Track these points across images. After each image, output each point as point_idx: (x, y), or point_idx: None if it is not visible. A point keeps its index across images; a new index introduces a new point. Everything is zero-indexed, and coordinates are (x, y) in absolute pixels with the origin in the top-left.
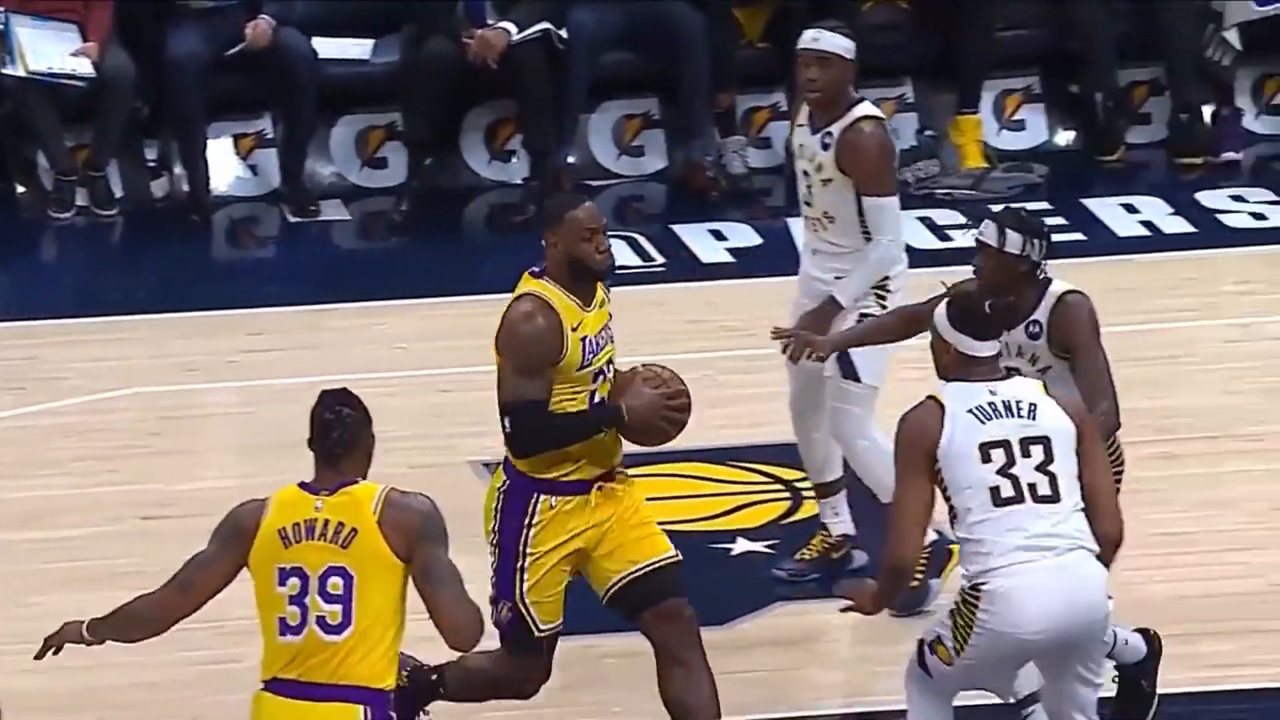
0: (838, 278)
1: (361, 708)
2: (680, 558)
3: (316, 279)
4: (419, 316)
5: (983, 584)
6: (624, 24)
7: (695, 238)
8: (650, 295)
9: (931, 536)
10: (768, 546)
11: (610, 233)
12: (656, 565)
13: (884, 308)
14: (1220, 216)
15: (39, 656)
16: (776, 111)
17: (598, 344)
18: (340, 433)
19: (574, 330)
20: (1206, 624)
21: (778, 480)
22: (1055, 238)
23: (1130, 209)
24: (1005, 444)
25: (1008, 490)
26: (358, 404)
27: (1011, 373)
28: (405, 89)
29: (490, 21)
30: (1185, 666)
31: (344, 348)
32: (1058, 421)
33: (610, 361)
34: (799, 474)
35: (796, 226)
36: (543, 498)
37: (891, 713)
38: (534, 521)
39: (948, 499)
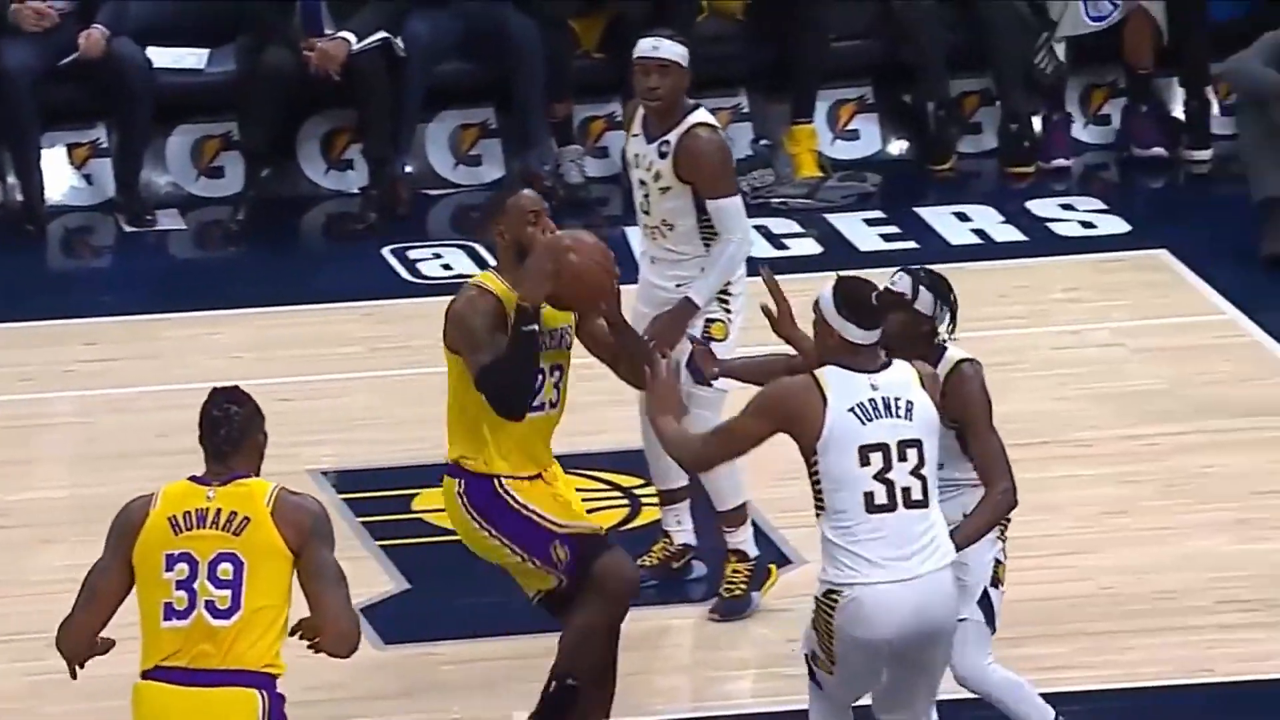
0: (679, 285)
1: (257, 691)
2: None
3: (153, 288)
4: (256, 326)
5: (838, 592)
6: (460, 33)
7: None
8: None
9: (754, 551)
10: None
11: (447, 242)
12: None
13: (728, 313)
14: (1050, 225)
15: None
16: (613, 121)
17: (549, 338)
18: (228, 430)
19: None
20: (1036, 627)
21: (616, 487)
22: (889, 246)
23: (962, 217)
24: (884, 448)
25: (881, 497)
26: (246, 401)
27: (889, 360)
28: (242, 99)
29: (327, 31)
30: (1015, 669)
31: (181, 357)
32: (929, 417)
33: (560, 370)
34: (637, 481)
35: (634, 235)
36: (504, 480)
37: (731, 717)
38: (509, 491)
39: (817, 487)
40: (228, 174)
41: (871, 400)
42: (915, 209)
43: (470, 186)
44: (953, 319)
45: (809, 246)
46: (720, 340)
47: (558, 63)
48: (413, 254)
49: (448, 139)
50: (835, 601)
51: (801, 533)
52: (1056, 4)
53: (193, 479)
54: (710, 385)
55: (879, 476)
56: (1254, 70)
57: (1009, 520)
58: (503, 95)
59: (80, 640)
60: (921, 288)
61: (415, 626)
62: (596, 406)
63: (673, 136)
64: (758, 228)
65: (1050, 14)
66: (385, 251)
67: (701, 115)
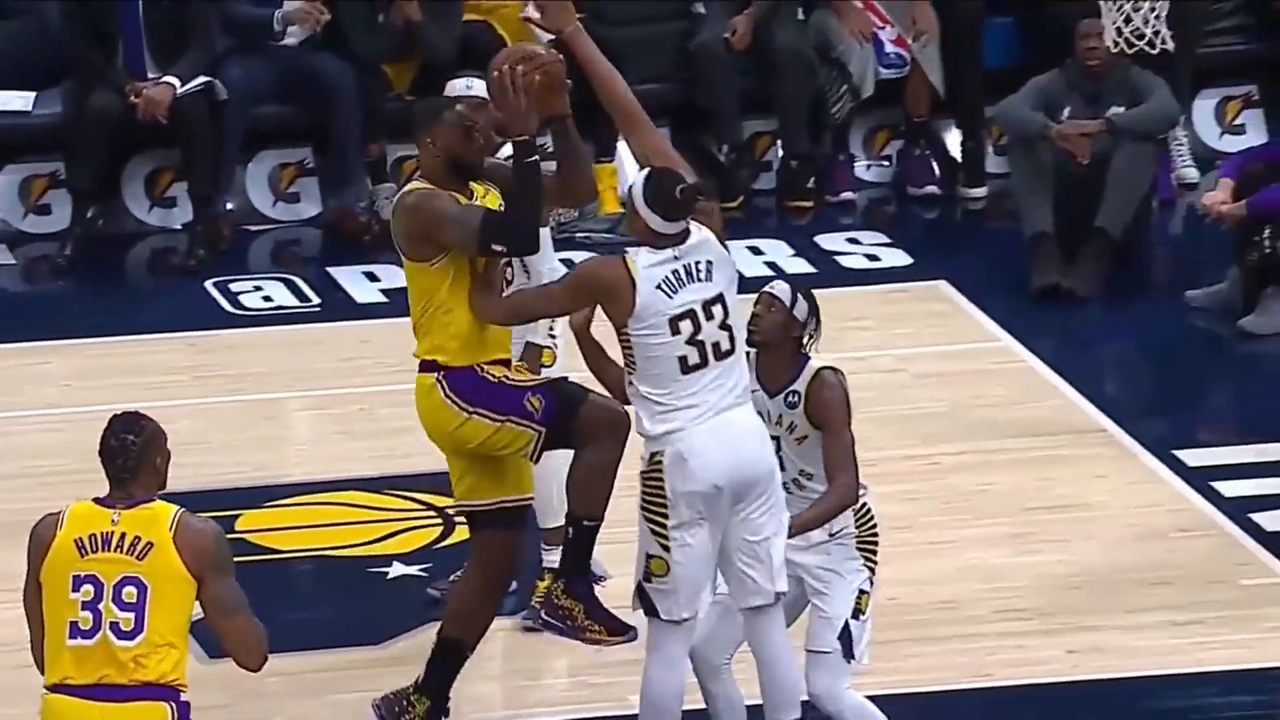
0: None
1: (166, 704)
2: None
3: None
4: (85, 356)
5: (661, 451)
6: (278, 78)
7: (350, 279)
8: (309, 334)
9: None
10: (421, 570)
11: (267, 275)
12: None
13: (552, 338)
14: (837, 258)
15: None
16: None
17: None
18: (124, 459)
19: None
20: None
21: (431, 507)
22: None
23: (755, 251)
24: (691, 313)
25: (694, 358)
26: (143, 429)
27: (689, 232)
28: (69, 139)
29: (150, 74)
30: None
31: (11, 385)
32: (728, 271)
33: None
34: (450, 500)
35: None
36: (482, 365)
37: None
38: (486, 372)
39: (630, 354)
40: (55, 211)
41: (675, 272)
42: None
43: (289, 222)
44: (817, 332)
45: None
46: (549, 366)
47: (371, 105)
48: (234, 286)
49: (267, 177)
50: (661, 461)
51: (610, 549)
52: (854, 57)
53: (98, 500)
54: None
55: (690, 340)
56: (1022, 113)
57: (875, 548)
58: (319, 136)
59: (40, 657)
60: (799, 297)
61: None
62: (413, 430)
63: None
64: (564, 261)
65: (847, 63)
66: (208, 284)
67: (510, 149)
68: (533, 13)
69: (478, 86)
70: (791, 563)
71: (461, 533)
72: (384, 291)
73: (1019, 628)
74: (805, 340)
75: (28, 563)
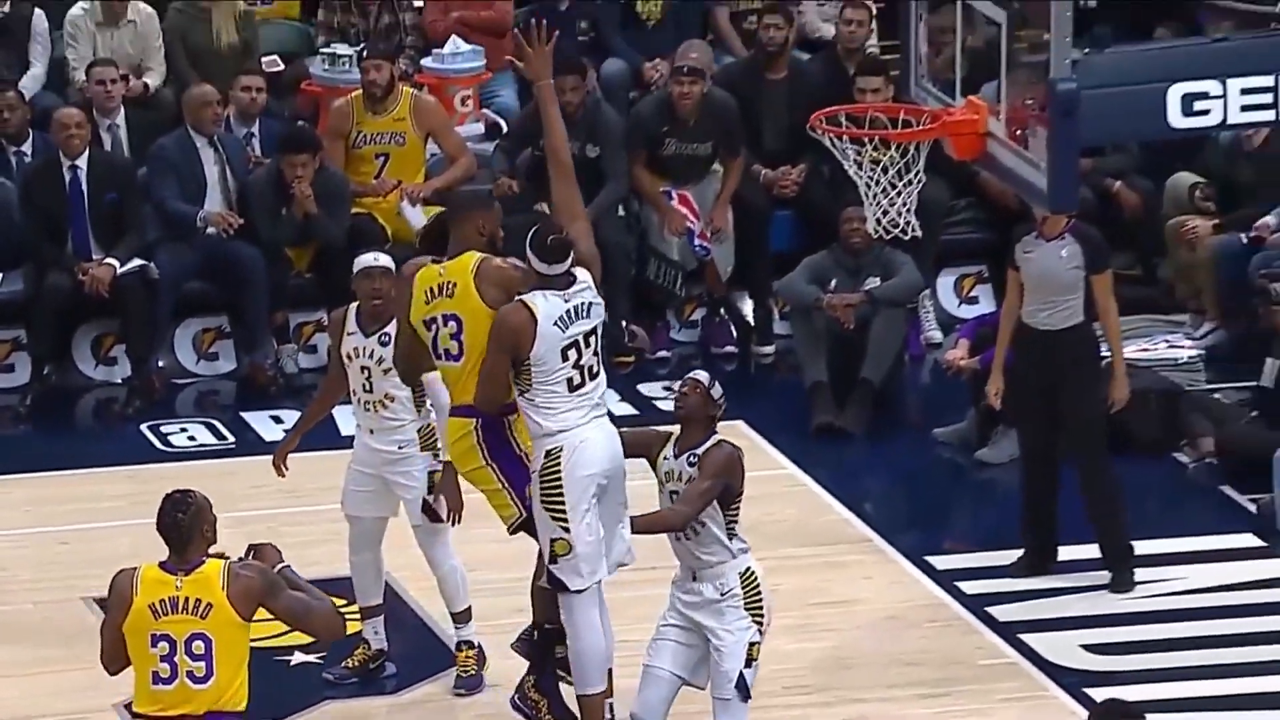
0: (400, 446)
1: None
2: None
3: None
4: (42, 487)
5: (557, 446)
6: (200, 261)
7: (259, 422)
8: (225, 467)
9: (477, 640)
10: (318, 658)
11: (192, 420)
12: None
13: (436, 456)
14: (655, 401)
15: None
16: (320, 325)
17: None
18: (177, 533)
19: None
20: None
21: None
22: None
23: None
24: (576, 343)
25: (577, 380)
26: (190, 504)
27: (575, 278)
28: (28, 312)
29: (96, 256)
30: None
31: None
32: (599, 308)
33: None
34: (341, 602)
35: (337, 412)
36: (509, 419)
37: None
38: (514, 435)
39: (526, 380)
40: (17, 369)
41: (567, 311)
42: None
43: (209, 376)
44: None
45: None
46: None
47: (276, 282)
48: (164, 429)
49: (191, 341)
50: (559, 454)
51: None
52: (675, 246)
53: (162, 565)
54: (444, 520)
55: (575, 365)
56: (798, 287)
57: (761, 605)
58: (234, 307)
59: (108, 665)
60: (715, 382)
61: None
62: (309, 545)
63: (390, 330)
64: None
65: (670, 252)
66: (143, 427)
67: None
68: (408, 207)
69: (383, 258)
70: (694, 620)
71: (352, 626)
72: (286, 431)
73: (803, 700)
74: (716, 416)
75: (108, 603)
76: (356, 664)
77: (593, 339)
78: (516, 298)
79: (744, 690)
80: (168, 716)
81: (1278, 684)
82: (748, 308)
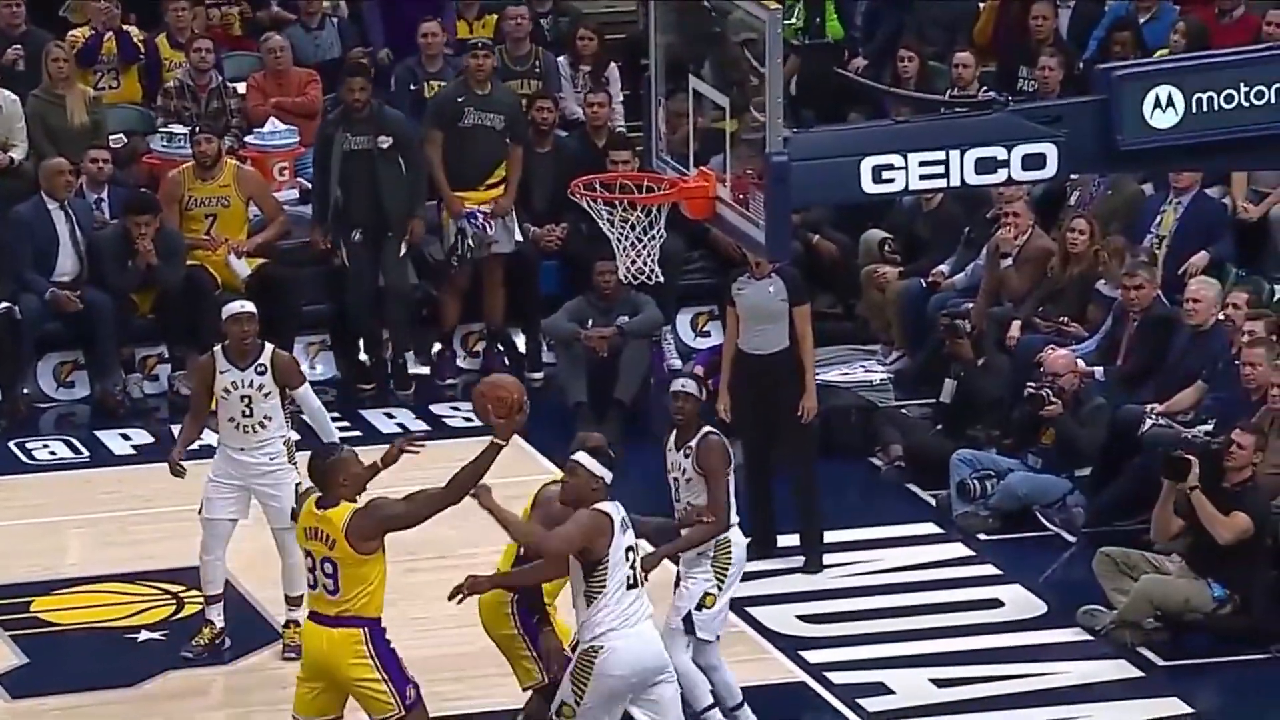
0: (272, 458)
1: (361, 630)
2: None
3: None
4: None
5: (601, 645)
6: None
7: (110, 439)
8: (82, 477)
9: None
10: (162, 635)
11: (52, 437)
12: None
13: (296, 467)
14: (445, 419)
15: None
16: (161, 358)
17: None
18: (317, 479)
19: None
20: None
21: (167, 592)
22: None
23: (389, 415)
24: (632, 547)
25: (632, 579)
26: (330, 455)
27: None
28: None
29: None
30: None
31: None
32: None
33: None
34: (182, 587)
35: (178, 429)
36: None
37: None
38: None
39: (599, 582)
40: None
41: (624, 518)
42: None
43: (67, 401)
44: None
45: None
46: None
47: (123, 321)
48: (29, 445)
49: (52, 371)
50: (596, 655)
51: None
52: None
53: (317, 500)
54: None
55: (630, 565)
56: (561, 325)
57: (728, 568)
58: (88, 341)
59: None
60: (701, 387)
61: (31, 686)
62: (152, 541)
63: (264, 360)
64: None
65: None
66: (11, 444)
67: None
68: (234, 259)
69: (249, 305)
70: (679, 573)
71: (191, 608)
72: (135, 447)
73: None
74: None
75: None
76: (206, 641)
77: (633, 553)
78: (597, 510)
79: (688, 624)
80: (313, 611)
81: (954, 645)
82: (520, 341)
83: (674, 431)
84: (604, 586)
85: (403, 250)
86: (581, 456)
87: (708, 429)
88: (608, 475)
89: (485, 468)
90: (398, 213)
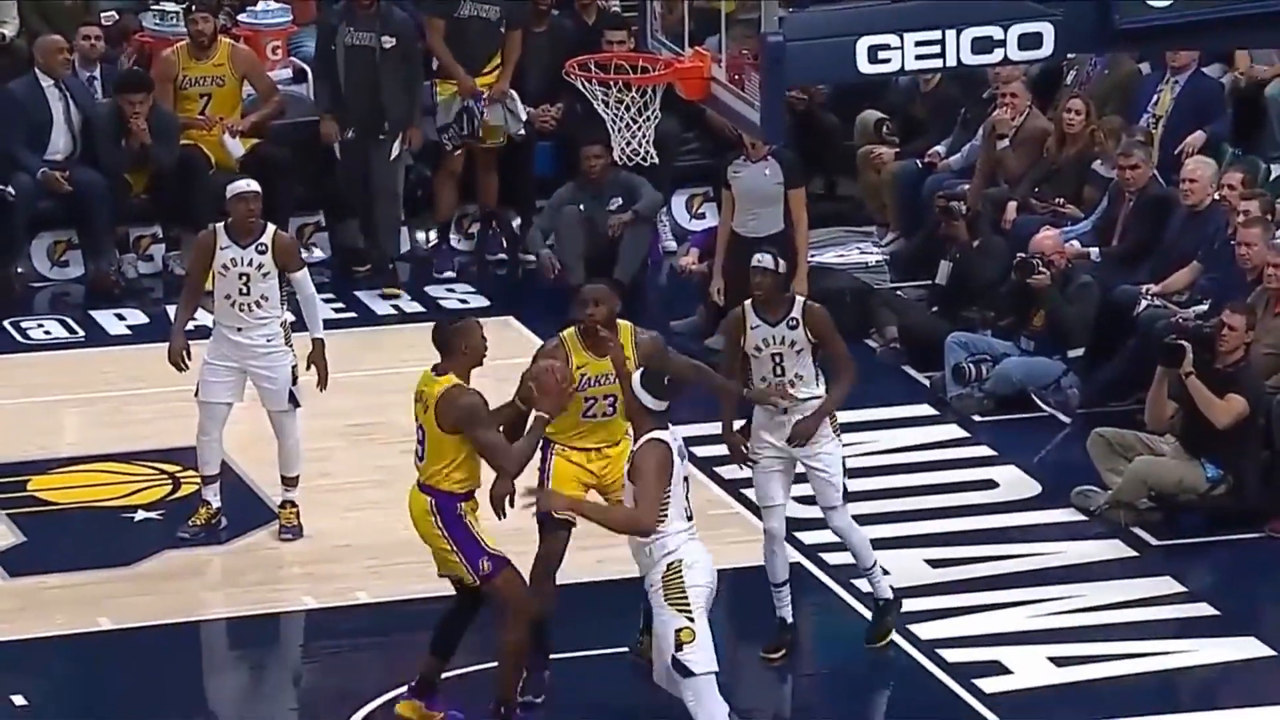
0: (269, 340)
1: (428, 498)
2: None
3: None
4: None
5: (680, 558)
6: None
7: (105, 319)
8: (77, 357)
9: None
10: (159, 515)
11: (47, 317)
12: None
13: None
14: (441, 301)
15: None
16: (155, 238)
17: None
18: (439, 342)
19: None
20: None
21: (163, 472)
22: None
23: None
24: (687, 477)
25: (687, 508)
26: (454, 323)
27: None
28: None
29: None
30: None
31: None
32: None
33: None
34: (178, 467)
35: (173, 309)
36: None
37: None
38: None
39: (663, 510)
40: None
41: (679, 448)
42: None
43: (61, 280)
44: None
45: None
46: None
47: (117, 201)
48: (24, 324)
49: (46, 250)
50: (682, 569)
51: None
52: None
53: (434, 365)
54: (299, 405)
55: (686, 495)
56: (560, 214)
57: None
58: (82, 221)
59: None
60: (777, 259)
61: (29, 564)
62: (154, 420)
63: (267, 239)
64: None
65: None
66: (5, 324)
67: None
68: (229, 139)
69: (254, 184)
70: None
71: (187, 489)
72: (129, 327)
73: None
74: (787, 285)
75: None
76: (202, 521)
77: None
78: (656, 440)
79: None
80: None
81: (949, 525)
82: (516, 222)
83: (753, 306)
84: (666, 514)
85: (394, 153)
86: (638, 388)
87: (800, 299)
88: (660, 405)
89: (537, 440)
90: (395, 113)
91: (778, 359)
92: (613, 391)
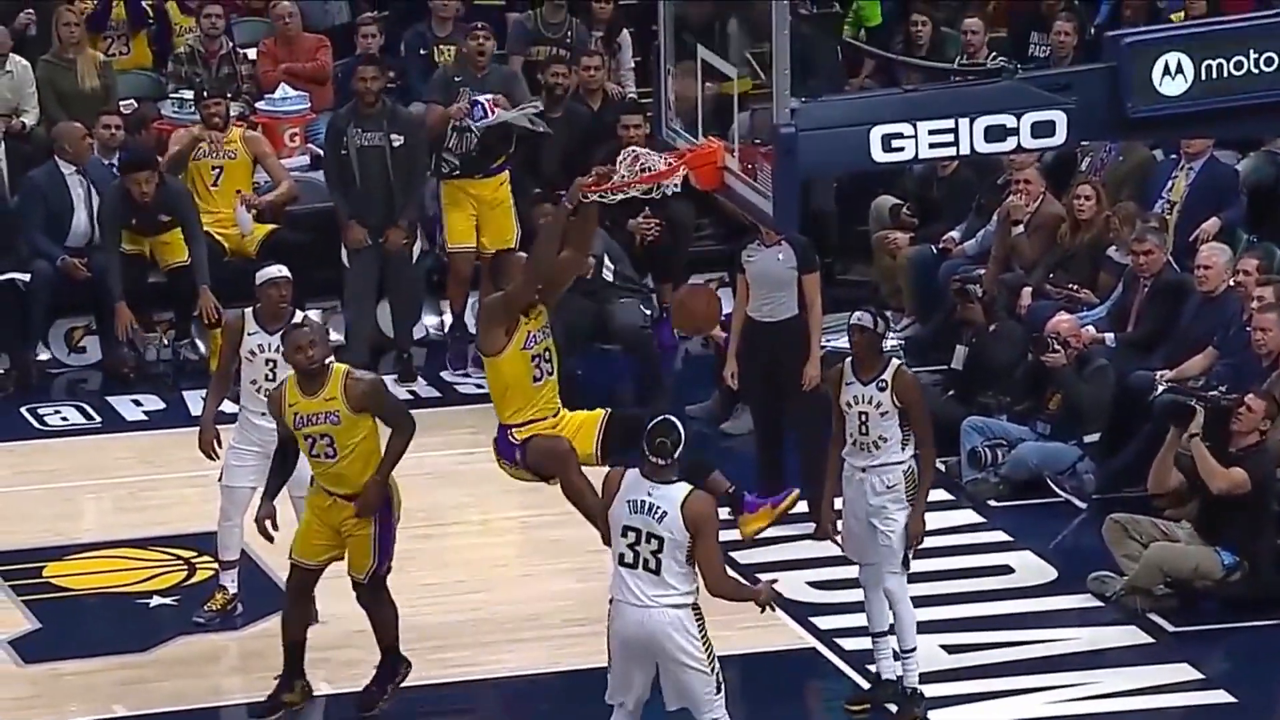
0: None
1: None
2: None
3: None
4: None
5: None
6: (66, 275)
7: (121, 405)
8: (93, 442)
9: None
10: (174, 600)
11: (64, 403)
12: None
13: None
14: (457, 386)
15: None
16: (171, 324)
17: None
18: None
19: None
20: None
21: (179, 558)
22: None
23: None
24: (638, 531)
25: (629, 558)
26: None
27: (674, 481)
28: None
29: None
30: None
31: None
32: (677, 528)
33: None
34: (193, 553)
35: (188, 394)
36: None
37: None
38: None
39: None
40: None
41: (642, 501)
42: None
43: (78, 367)
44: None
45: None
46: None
47: (136, 282)
48: (41, 411)
49: (63, 337)
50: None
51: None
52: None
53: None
54: None
55: (630, 546)
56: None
57: None
58: (98, 311)
59: None
60: (878, 319)
61: (45, 651)
62: (168, 507)
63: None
64: None
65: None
66: (23, 410)
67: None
68: (242, 211)
69: (284, 270)
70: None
71: (203, 574)
72: (145, 413)
73: (580, 631)
74: (884, 346)
75: None
76: (218, 607)
77: (655, 541)
78: (625, 468)
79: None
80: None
81: (965, 611)
82: None
83: (850, 364)
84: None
85: (415, 256)
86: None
87: (897, 362)
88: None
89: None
90: (409, 212)
91: (864, 418)
92: (328, 431)
